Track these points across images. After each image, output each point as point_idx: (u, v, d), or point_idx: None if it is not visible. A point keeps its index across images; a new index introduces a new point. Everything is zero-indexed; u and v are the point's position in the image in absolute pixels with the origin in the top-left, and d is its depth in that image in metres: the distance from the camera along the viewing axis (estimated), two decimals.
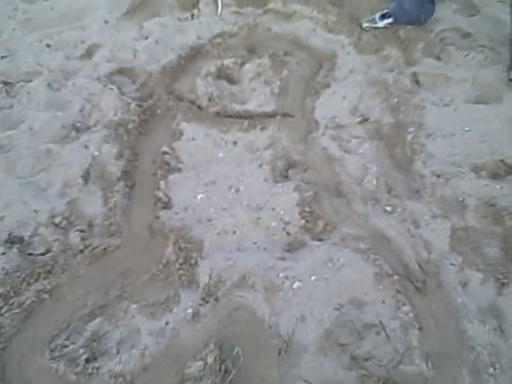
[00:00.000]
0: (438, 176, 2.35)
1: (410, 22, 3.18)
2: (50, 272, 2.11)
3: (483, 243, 2.10)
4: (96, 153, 2.58)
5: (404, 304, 1.88)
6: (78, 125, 2.82)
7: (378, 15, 3.23)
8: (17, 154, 2.65)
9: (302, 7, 3.59)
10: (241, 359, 1.77)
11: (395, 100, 2.77)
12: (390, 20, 3.16)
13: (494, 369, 1.71)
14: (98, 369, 1.79)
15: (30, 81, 3.20)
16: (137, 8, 3.72)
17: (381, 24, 3.17)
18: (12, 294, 2.03)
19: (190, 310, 1.91)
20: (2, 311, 1.98)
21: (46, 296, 2.03)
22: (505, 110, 2.69)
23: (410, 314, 1.86)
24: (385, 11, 3.22)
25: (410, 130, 2.60)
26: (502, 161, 2.41)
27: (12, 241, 2.25)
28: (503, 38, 3.09)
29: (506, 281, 1.95)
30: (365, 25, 3.22)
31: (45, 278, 2.09)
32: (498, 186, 2.29)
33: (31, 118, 2.88)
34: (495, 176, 2.37)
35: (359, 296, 1.92)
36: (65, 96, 3.06)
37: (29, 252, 2.21)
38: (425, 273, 1.98)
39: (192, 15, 3.64)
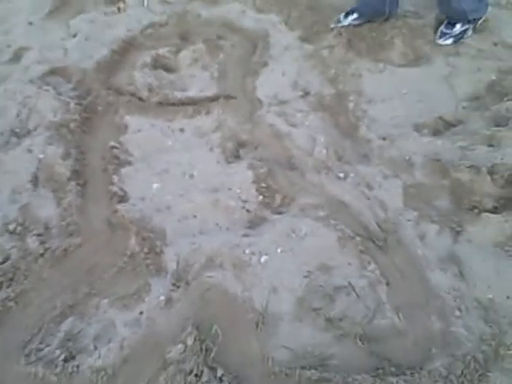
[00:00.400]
0: (384, 139, 2.43)
1: (374, 15, 3.14)
2: (12, 279, 2.06)
3: (434, 197, 2.20)
4: (41, 155, 2.52)
5: (369, 263, 1.95)
6: (17, 130, 2.73)
7: (342, 14, 3.19)
8: None
9: None
10: (220, 337, 1.79)
11: (332, 71, 2.84)
12: (354, 16, 3.13)
13: (460, 311, 1.81)
14: (77, 367, 1.77)
15: None
16: (60, 7, 3.63)
17: (346, 22, 3.14)
18: None
19: (162, 297, 1.92)
20: None
21: (11, 304, 1.98)
22: (436, 71, 2.81)
23: (376, 272, 1.93)
24: (349, 9, 3.18)
25: (351, 98, 2.67)
26: (440, 118, 2.53)
27: None
28: (426, 2, 3.21)
29: (459, 229, 2.05)
30: (332, 26, 3.19)
31: (8, 286, 2.04)
32: (440, 142, 2.40)
33: None
34: (436, 133, 2.49)
35: (326, 261, 1.98)
36: None
37: None
38: (384, 231, 2.06)
39: (118, 8, 3.59)
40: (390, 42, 3.00)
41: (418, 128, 2.48)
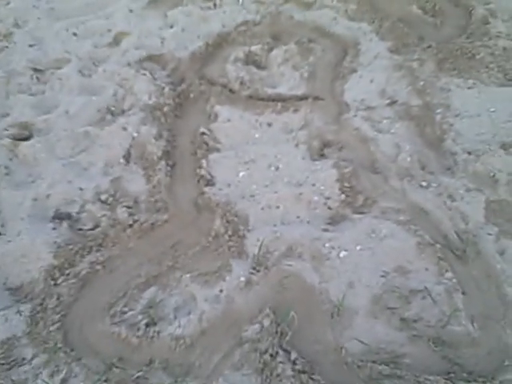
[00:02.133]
0: (469, 153, 2.44)
1: None
2: (101, 245, 2.20)
3: None
4: (135, 134, 2.66)
5: (447, 271, 1.98)
6: (113, 108, 2.89)
7: None
8: (56, 136, 2.72)
9: None
10: (296, 322, 1.85)
11: (421, 83, 2.86)
12: None
13: None
14: (158, 332, 1.88)
15: (59, 68, 3.27)
16: None
17: None
18: (67, 265, 2.11)
19: (242, 278, 2.00)
20: (59, 281, 2.06)
21: (99, 267, 2.12)
22: None
23: (454, 280, 1.95)
24: None
25: (438, 110, 2.69)
26: None
27: (59, 217, 2.32)
28: None
29: None
30: None
31: (97, 251, 2.18)
32: None
33: (65, 102, 2.95)
34: None
35: (403, 264, 2.02)
36: (97, 82, 3.14)
37: (78, 227, 2.29)
38: (464, 242, 2.08)
39: (214, 4, 3.71)
40: (481, 61, 2.99)
41: (504, 146, 2.47)
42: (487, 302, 1.90)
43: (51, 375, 1.80)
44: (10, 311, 1.99)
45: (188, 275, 2.04)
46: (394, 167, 2.41)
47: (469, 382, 1.68)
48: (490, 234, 2.11)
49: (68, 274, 2.08)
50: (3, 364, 1.84)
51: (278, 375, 1.72)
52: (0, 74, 3.18)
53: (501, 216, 2.20)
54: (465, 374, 1.71)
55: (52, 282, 2.07)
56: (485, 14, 3.36)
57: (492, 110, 2.70)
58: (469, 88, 2.85)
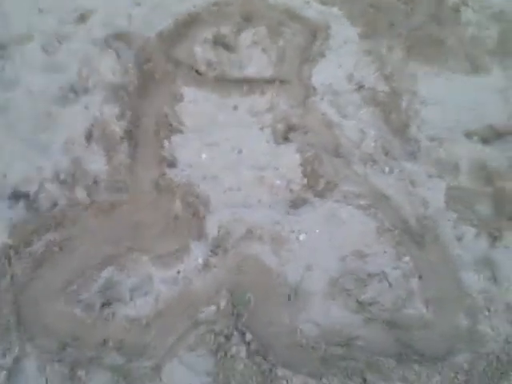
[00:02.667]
0: (433, 140, 2.45)
1: None
2: (59, 225, 2.16)
3: (476, 202, 2.22)
4: (97, 113, 2.61)
5: (404, 255, 1.99)
6: (76, 87, 2.82)
7: None
8: (17, 114, 2.65)
9: None
10: (252, 304, 1.85)
11: (389, 69, 2.86)
12: None
13: (489, 311, 1.84)
14: (113, 313, 1.86)
15: (22, 44, 3.18)
16: None
17: None
18: (22, 245, 2.07)
19: (200, 260, 1.99)
20: (13, 260, 2.02)
21: (56, 248, 2.08)
22: (493, 82, 2.81)
23: (411, 264, 1.96)
24: None
25: (405, 97, 2.69)
26: (491, 127, 2.53)
27: (17, 196, 2.27)
28: (489, 14, 3.20)
29: (497, 234, 2.08)
30: None
31: (54, 231, 2.14)
32: (488, 150, 2.41)
33: (27, 80, 2.87)
34: (485, 141, 2.49)
35: (362, 248, 2.02)
36: (60, 59, 3.05)
37: (36, 207, 2.24)
38: (423, 227, 2.09)
39: None
40: (450, 49, 3.00)
41: (467, 134, 2.49)
42: (442, 287, 1.92)
43: (3, 354, 1.78)
44: None
45: (146, 256, 2.02)
46: (358, 152, 2.41)
47: (420, 363, 1.69)
48: (449, 220, 2.12)
49: (23, 254, 2.03)
50: None
51: (232, 356, 1.72)
52: None
53: (460, 203, 2.21)
54: (417, 357, 1.72)
55: (6, 262, 2.02)
56: (456, 2, 3.36)
57: (458, 98, 2.71)
58: (436, 75, 2.86)
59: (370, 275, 1.93)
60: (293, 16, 3.25)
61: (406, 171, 2.32)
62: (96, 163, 2.40)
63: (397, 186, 2.25)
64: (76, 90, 2.77)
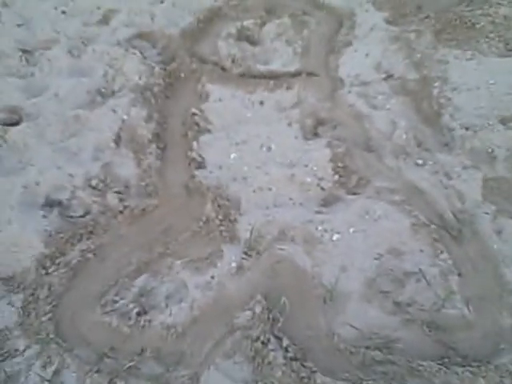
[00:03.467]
0: (467, 129, 2.38)
1: None
2: (91, 233, 2.17)
3: None
4: (125, 116, 2.61)
5: (442, 252, 1.94)
6: (103, 90, 2.82)
7: None
8: (45, 120, 2.67)
9: None
10: (287, 308, 1.83)
11: (418, 56, 2.78)
12: None
13: None
14: (149, 321, 1.86)
15: (48, 48, 3.20)
16: None
17: None
18: (58, 254, 2.09)
19: (233, 264, 1.97)
20: (50, 271, 2.04)
21: (90, 255, 2.09)
22: None
23: (449, 261, 1.92)
24: None
25: (436, 84, 2.61)
26: None
27: (50, 204, 2.29)
28: None
29: None
30: None
31: (88, 239, 2.15)
32: None
33: (55, 84, 2.89)
34: None
35: (397, 246, 1.98)
36: (86, 62, 3.06)
37: (69, 214, 2.25)
38: (460, 222, 2.03)
39: None
40: (481, 31, 2.90)
41: (503, 121, 2.41)
42: (483, 284, 1.87)
43: (43, 366, 1.80)
44: (1, 302, 1.98)
45: (179, 262, 2.02)
46: (389, 145, 2.36)
47: (463, 366, 1.66)
48: (486, 213, 2.06)
49: (59, 264, 2.06)
50: None
51: (269, 363, 1.71)
52: None
53: (498, 194, 2.15)
54: (459, 359, 1.68)
55: (43, 272, 2.05)
56: None
57: (491, 82, 2.62)
58: (468, 59, 2.77)
59: (406, 274, 1.89)
60: (317, 5, 3.18)
61: (440, 163, 2.26)
62: (126, 168, 2.41)
63: (431, 180, 2.19)
64: (103, 93, 2.79)
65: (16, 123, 2.71)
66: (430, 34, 2.89)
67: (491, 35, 2.88)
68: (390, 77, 2.70)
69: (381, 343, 1.72)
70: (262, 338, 1.75)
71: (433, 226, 2.00)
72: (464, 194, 2.13)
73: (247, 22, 3.12)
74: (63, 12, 3.44)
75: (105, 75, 2.88)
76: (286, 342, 1.74)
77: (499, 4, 3.07)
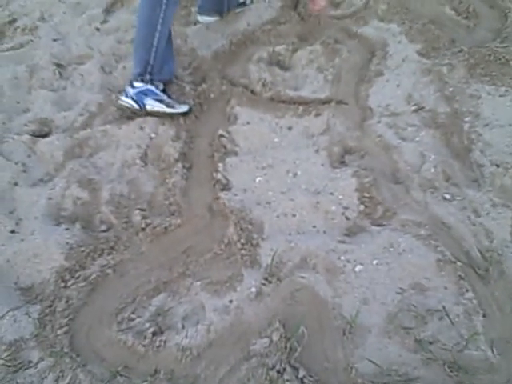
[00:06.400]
0: (497, 166, 2.33)
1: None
2: (113, 248, 2.17)
3: None
4: (153, 135, 2.62)
5: (467, 290, 1.88)
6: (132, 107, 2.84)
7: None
8: (74, 134, 2.70)
9: None
10: (305, 338, 1.79)
11: (450, 89, 2.76)
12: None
13: None
14: (165, 342, 1.83)
15: (82, 63, 3.26)
16: None
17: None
18: (78, 267, 2.09)
19: (253, 289, 1.94)
20: (69, 284, 2.04)
21: (110, 271, 2.09)
22: None
23: (474, 301, 1.86)
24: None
25: (467, 119, 2.58)
26: None
27: (74, 217, 2.30)
28: None
29: None
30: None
31: (108, 254, 2.15)
32: None
33: (85, 99, 2.93)
34: None
35: (421, 281, 1.93)
36: (117, 78, 3.11)
37: (91, 229, 2.26)
38: (487, 261, 1.98)
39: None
40: None
41: None
42: (509, 326, 1.80)
43: (56, 380, 1.78)
44: (19, 312, 1.98)
45: (198, 283, 2.00)
46: (417, 178, 2.32)
47: None
48: None
49: (78, 277, 2.06)
50: (9, 366, 1.83)
51: None
52: (23, 69, 3.18)
53: None
54: None
55: (62, 284, 2.05)
56: None
57: None
58: (500, 96, 2.73)
59: (429, 311, 1.84)
60: (350, 33, 3.19)
61: (469, 199, 2.21)
62: (151, 185, 2.42)
63: (459, 215, 2.14)
64: (132, 110, 2.79)
65: (45, 135, 2.75)
66: (463, 69, 2.87)
67: None
68: (420, 109, 2.67)
69: (400, 381, 1.67)
70: (277, 366, 1.70)
71: (459, 263, 1.95)
72: (492, 232, 2.08)
73: (279, 48, 3.14)
74: (97, 29, 3.51)
75: None
76: (302, 373, 1.69)
77: None
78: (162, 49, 2.68)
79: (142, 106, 2.71)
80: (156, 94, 2.73)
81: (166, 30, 2.66)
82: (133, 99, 2.72)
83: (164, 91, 2.80)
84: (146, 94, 2.71)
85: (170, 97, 2.79)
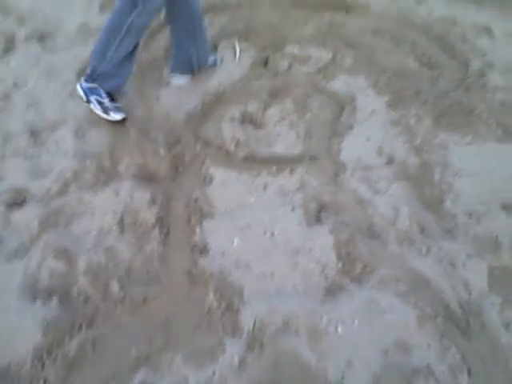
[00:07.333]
0: (470, 215, 2.38)
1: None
2: (91, 321, 2.13)
3: None
4: (128, 200, 2.61)
5: (450, 347, 1.89)
6: (107, 172, 2.85)
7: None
8: (49, 203, 2.68)
9: (317, 51, 3.67)
10: None
11: (419, 140, 2.82)
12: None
13: None
14: None
15: (56, 129, 3.26)
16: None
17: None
18: (55, 345, 2.04)
19: (236, 358, 1.92)
20: (46, 364, 1.99)
21: (88, 348, 2.04)
22: None
23: (457, 357, 1.86)
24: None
25: (437, 170, 2.64)
26: None
27: (50, 291, 2.26)
28: None
29: None
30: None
31: (87, 329, 2.11)
32: None
33: (60, 166, 2.92)
34: None
35: (404, 339, 1.94)
36: (90, 144, 3.11)
37: (68, 302, 2.22)
38: (467, 313, 2.00)
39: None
40: (479, 116, 2.96)
41: (505, 207, 2.41)
42: (494, 382, 1.81)
43: None
44: None
45: (179, 355, 1.97)
46: (393, 231, 2.36)
47: None
48: (493, 305, 2.03)
49: (56, 356, 2.00)
50: None
51: None
52: None
53: (505, 284, 2.12)
54: None
55: (39, 364, 1.99)
56: (481, 66, 3.35)
57: (491, 167, 2.65)
58: (467, 144, 2.81)
59: (414, 370, 1.84)
60: (319, 88, 3.26)
61: (445, 251, 2.24)
62: (128, 253, 2.40)
63: (436, 268, 2.17)
64: (107, 175, 2.79)
65: (20, 204, 2.72)
66: (430, 119, 2.95)
67: (489, 121, 2.93)
68: (391, 161, 2.72)
69: None
70: None
71: (439, 319, 1.96)
72: (470, 284, 2.11)
73: (251, 106, 3.19)
74: (71, 94, 3.52)
75: (110, 156, 2.91)
76: None
77: (495, 90, 3.15)
78: (115, 64, 2.84)
79: (88, 100, 2.99)
80: (100, 96, 2.96)
81: (126, 45, 2.77)
82: (83, 91, 2.98)
83: (109, 94, 2.98)
84: (92, 92, 2.96)
85: (112, 100, 2.98)
